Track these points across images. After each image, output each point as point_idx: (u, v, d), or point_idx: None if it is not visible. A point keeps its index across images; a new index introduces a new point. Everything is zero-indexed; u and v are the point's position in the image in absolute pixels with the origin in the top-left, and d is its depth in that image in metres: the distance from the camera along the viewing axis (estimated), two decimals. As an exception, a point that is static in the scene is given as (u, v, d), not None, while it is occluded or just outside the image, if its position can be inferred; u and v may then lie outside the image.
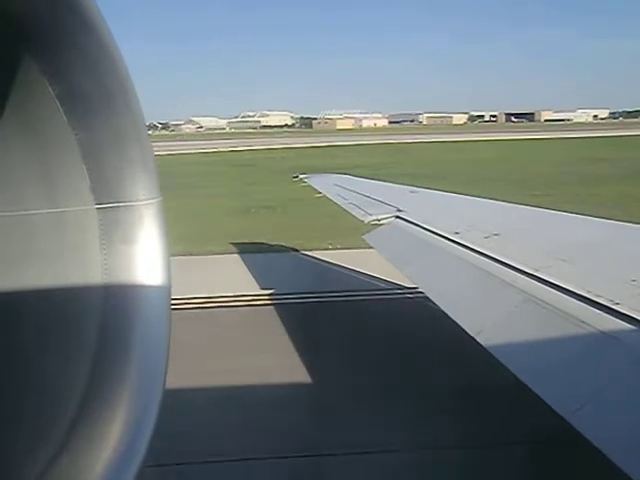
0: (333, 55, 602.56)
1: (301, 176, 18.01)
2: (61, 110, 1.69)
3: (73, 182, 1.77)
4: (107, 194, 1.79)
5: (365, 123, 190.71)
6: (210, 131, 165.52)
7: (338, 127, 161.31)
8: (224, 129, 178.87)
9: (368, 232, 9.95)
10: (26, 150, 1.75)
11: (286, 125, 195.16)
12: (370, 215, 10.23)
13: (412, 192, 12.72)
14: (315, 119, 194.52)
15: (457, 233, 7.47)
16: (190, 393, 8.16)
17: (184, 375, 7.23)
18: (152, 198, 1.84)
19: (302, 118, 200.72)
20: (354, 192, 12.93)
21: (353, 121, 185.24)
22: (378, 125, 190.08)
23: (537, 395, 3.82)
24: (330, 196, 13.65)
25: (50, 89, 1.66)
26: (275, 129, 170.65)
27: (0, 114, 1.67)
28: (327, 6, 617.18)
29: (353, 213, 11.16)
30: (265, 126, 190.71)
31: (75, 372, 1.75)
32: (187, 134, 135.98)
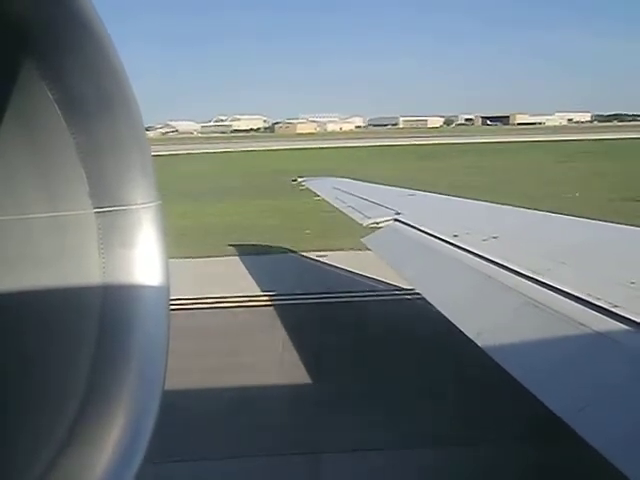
0: (317, 58, 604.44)
1: (299, 179, 18.02)
2: (60, 114, 1.69)
3: (72, 186, 1.77)
4: (106, 198, 1.79)
5: (330, 127, 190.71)
6: (179, 135, 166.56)
7: (298, 131, 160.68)
8: (192, 133, 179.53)
9: (367, 235, 9.96)
10: (25, 154, 1.75)
11: (252, 129, 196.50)
12: (369, 218, 10.24)
13: (410, 195, 12.75)
14: (277, 123, 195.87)
15: (456, 236, 7.48)
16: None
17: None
18: (150, 202, 1.85)
19: (275, 123, 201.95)
20: (353, 195, 12.95)
21: (315, 125, 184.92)
22: (345, 129, 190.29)
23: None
24: (329, 199, 13.68)
25: (49, 93, 1.67)
26: (243, 133, 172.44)
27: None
28: (312, 9, 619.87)
29: (352, 216, 11.18)
30: (236, 130, 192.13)
31: (75, 374, 1.75)
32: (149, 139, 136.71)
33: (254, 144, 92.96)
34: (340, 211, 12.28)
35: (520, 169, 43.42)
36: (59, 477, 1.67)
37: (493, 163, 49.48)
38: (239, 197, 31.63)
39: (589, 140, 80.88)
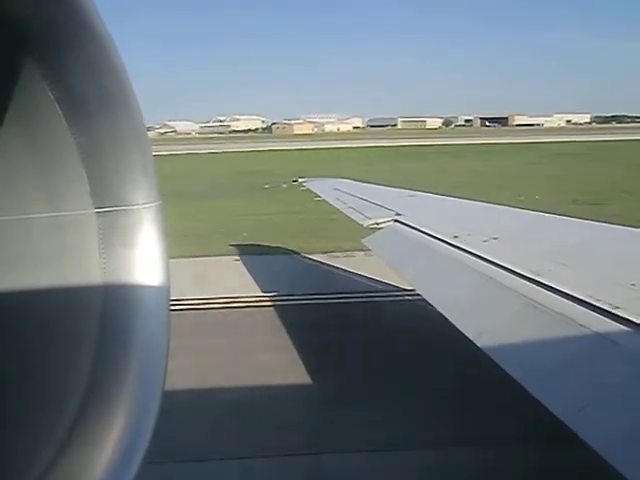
0: (317, 58, 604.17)
1: (300, 180, 18.03)
2: (61, 114, 1.70)
3: (72, 186, 1.77)
4: (106, 198, 1.79)
5: (328, 128, 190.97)
6: (177, 135, 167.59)
7: (295, 132, 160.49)
8: (189, 134, 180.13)
9: (367, 236, 9.96)
10: (26, 154, 1.75)
11: (249, 130, 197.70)
12: (369, 219, 10.24)
13: (411, 196, 12.75)
14: (275, 124, 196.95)
15: (456, 237, 7.47)
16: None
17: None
18: (151, 202, 1.85)
19: (273, 123, 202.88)
20: (353, 196, 12.96)
21: (313, 126, 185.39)
22: (342, 130, 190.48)
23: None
24: (329, 200, 13.68)
25: (50, 93, 1.67)
26: (241, 134, 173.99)
27: (0, 118, 1.67)
28: (311, 8, 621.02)
29: (352, 217, 11.18)
30: (234, 131, 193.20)
31: (75, 374, 1.75)
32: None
33: (246, 145, 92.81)
34: (341, 212, 12.29)
35: (483, 171, 43.26)
36: (59, 477, 1.67)
37: (462, 165, 49.60)
38: (195, 199, 30.66)
39: (577, 142, 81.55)
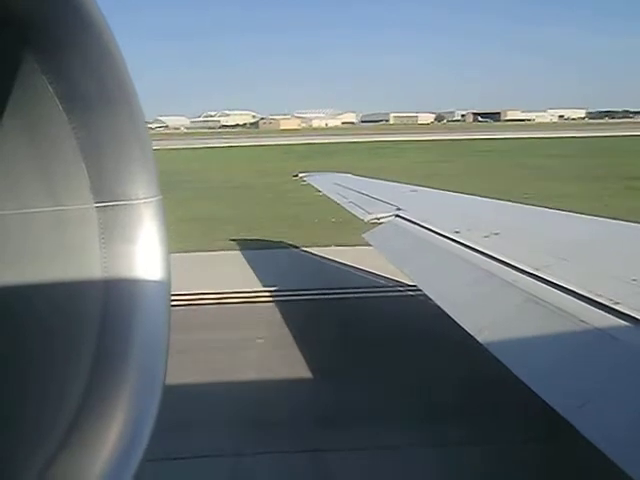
0: (315, 54, 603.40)
1: (301, 175, 17.99)
2: (61, 109, 1.69)
3: (72, 181, 1.77)
4: (106, 193, 1.79)
5: (316, 123, 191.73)
6: (167, 130, 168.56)
7: (282, 127, 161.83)
8: (178, 129, 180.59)
9: (368, 231, 9.95)
10: (26, 148, 1.75)
11: (238, 125, 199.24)
12: (370, 214, 10.22)
13: (412, 191, 12.73)
14: (263, 119, 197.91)
15: (457, 232, 7.46)
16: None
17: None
18: (152, 197, 1.85)
19: (261, 118, 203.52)
20: (354, 191, 12.93)
21: (299, 121, 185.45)
22: (331, 125, 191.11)
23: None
24: (330, 195, 13.65)
25: (50, 88, 1.66)
26: (230, 129, 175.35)
27: (0, 113, 1.67)
28: (309, 4, 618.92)
29: (353, 212, 11.16)
30: (224, 126, 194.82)
31: (75, 371, 1.75)
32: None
33: (215, 141, 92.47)
34: (342, 207, 12.27)
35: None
36: (59, 473, 1.67)
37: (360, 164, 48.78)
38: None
39: (532, 138, 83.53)
